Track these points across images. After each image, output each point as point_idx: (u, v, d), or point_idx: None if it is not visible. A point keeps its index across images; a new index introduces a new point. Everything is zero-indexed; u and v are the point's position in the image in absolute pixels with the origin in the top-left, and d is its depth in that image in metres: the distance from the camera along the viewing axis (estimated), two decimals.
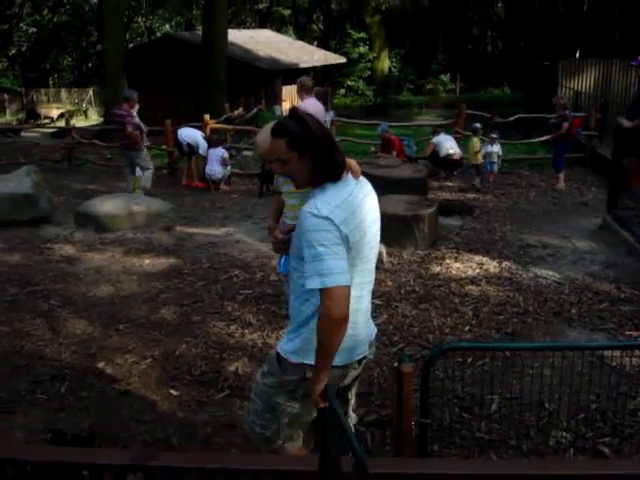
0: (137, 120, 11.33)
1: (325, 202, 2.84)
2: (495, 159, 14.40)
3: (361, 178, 3.09)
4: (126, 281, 7.50)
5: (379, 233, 3.16)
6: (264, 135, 3.23)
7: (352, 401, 3.49)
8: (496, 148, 14.40)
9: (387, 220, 8.13)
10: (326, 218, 2.79)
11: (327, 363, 2.90)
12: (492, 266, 7.65)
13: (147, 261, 8.18)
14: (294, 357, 3.09)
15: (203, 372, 5.40)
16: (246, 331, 6.09)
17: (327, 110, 14.41)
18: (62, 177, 15.19)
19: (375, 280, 6.87)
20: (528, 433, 4.42)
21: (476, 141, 13.34)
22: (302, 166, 2.91)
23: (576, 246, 8.53)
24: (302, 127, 2.87)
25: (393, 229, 8.11)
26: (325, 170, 2.91)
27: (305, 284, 2.83)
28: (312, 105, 9.21)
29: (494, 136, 14.45)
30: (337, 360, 2.98)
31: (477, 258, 7.92)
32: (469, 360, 5.26)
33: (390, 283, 7.11)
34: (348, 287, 2.80)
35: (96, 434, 4.41)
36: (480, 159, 13.13)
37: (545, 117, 15.39)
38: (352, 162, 3.10)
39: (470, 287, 6.99)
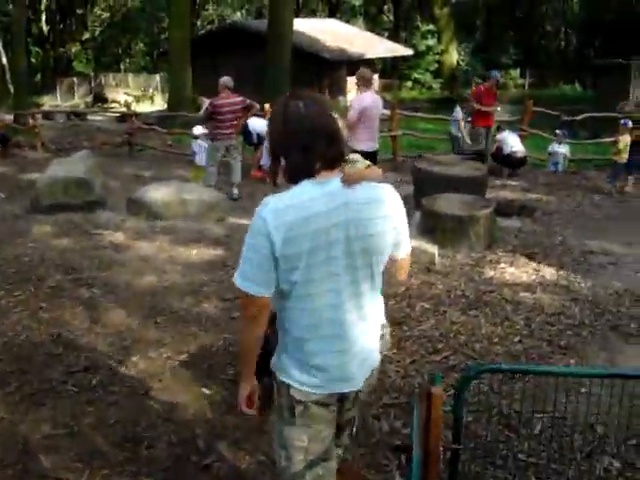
0: None
1: (273, 201, 2.58)
2: (560, 159, 13.97)
3: (363, 185, 2.69)
4: (171, 271, 7.39)
5: (376, 250, 2.70)
6: None
7: (346, 436, 3.11)
8: (563, 149, 13.96)
9: (441, 220, 7.91)
10: (262, 219, 2.55)
11: (242, 367, 2.90)
12: (549, 273, 7.29)
13: (194, 251, 8.05)
14: (280, 375, 2.81)
15: (238, 372, 5.21)
16: None
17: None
18: (121, 162, 15.27)
19: (425, 283, 6.71)
20: (574, 457, 4.12)
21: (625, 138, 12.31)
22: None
23: None
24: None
25: (447, 230, 7.83)
26: (285, 169, 2.67)
27: None
28: (367, 98, 9.05)
29: (559, 133, 14.03)
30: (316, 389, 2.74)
31: (534, 263, 7.56)
32: (517, 374, 4.98)
33: (440, 286, 6.81)
34: (255, 296, 2.62)
35: None
36: (626, 158, 12.26)
37: (616, 117, 14.90)
38: (353, 169, 2.87)
39: (524, 294, 6.65)
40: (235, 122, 11.39)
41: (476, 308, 6.29)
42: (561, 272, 7.31)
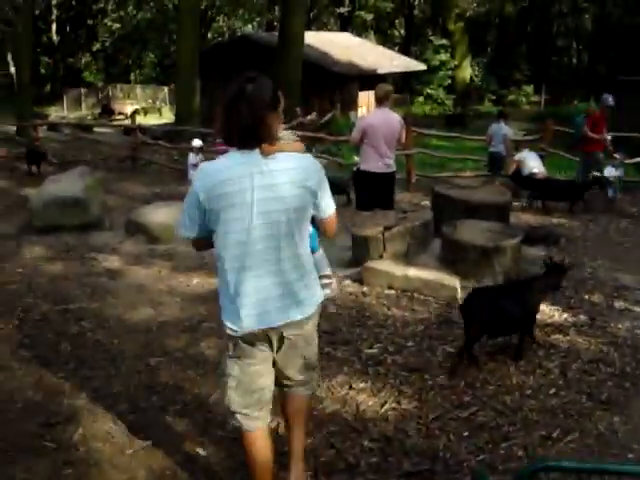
0: None
1: (205, 166, 3.21)
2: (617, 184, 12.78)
3: (282, 155, 3.16)
4: (168, 303, 6.78)
5: (290, 210, 3.15)
6: None
7: (293, 374, 3.54)
8: (620, 172, 12.76)
9: (463, 250, 7.26)
10: (195, 181, 3.16)
11: None
12: (582, 311, 6.63)
13: (195, 281, 7.45)
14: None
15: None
16: None
17: None
18: (123, 178, 14.68)
19: (447, 321, 6.05)
20: None
21: None
22: None
23: None
24: None
25: (470, 260, 7.18)
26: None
27: None
28: (371, 116, 9.02)
29: (619, 156, 12.96)
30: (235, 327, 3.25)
31: (564, 300, 6.91)
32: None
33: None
34: (191, 237, 3.29)
35: None
36: None
37: (638, 136, 14.29)
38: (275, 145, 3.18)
39: (556, 336, 6.00)
40: None
41: (504, 352, 5.64)
42: (595, 310, 6.66)
